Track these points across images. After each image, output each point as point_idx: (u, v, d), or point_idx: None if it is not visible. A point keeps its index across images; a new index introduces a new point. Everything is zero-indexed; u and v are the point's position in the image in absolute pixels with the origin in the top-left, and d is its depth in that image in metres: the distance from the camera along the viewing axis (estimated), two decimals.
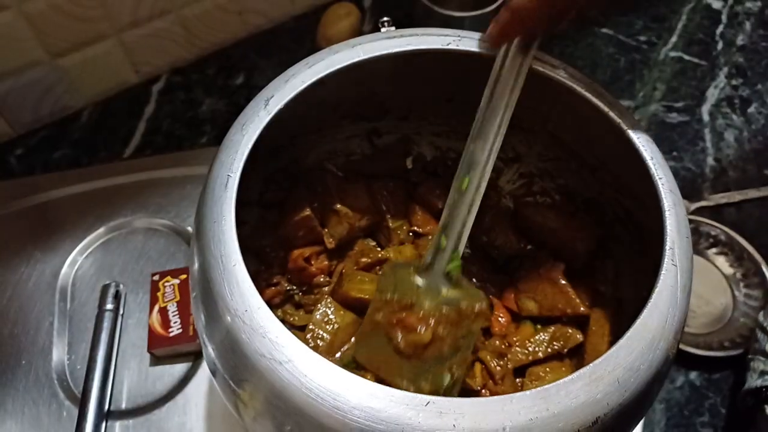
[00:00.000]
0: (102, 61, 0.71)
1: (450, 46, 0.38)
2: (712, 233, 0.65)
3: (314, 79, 0.35)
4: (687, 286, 0.31)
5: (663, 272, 0.30)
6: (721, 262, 0.65)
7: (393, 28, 0.40)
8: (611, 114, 0.36)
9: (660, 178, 0.33)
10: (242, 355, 0.28)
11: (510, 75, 0.37)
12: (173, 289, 0.52)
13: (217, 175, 0.33)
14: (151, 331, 0.50)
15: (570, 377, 0.27)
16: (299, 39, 0.80)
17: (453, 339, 0.37)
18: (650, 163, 0.34)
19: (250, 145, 0.33)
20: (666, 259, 0.30)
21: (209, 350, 0.33)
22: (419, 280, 0.38)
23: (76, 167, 0.67)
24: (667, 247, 0.31)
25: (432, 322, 0.37)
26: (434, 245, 0.38)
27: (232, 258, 0.29)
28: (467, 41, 0.38)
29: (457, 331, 0.37)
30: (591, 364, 0.28)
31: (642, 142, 0.35)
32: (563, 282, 0.43)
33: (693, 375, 0.59)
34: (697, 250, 0.65)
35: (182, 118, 0.74)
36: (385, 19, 0.41)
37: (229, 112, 0.75)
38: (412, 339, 0.36)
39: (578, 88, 0.37)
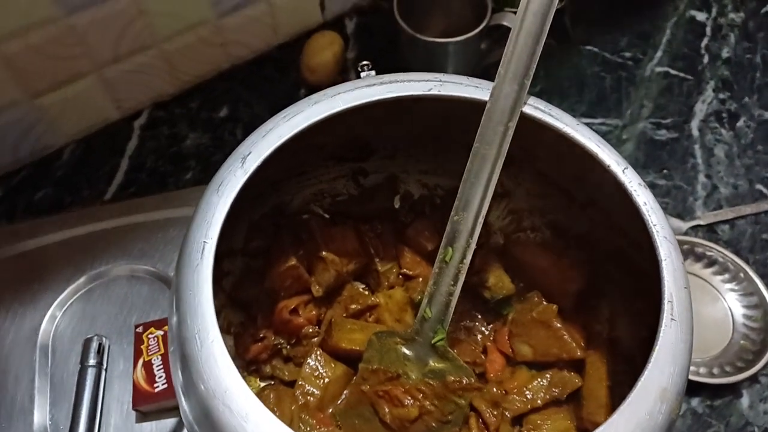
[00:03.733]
0: (83, 98, 0.70)
1: (432, 92, 0.36)
2: (708, 254, 0.64)
3: (293, 133, 0.34)
4: (688, 341, 0.29)
5: (662, 328, 0.29)
6: (718, 282, 0.64)
7: (373, 72, 0.39)
8: (600, 157, 0.35)
9: (654, 225, 0.32)
10: None
11: (492, 148, 0.36)
12: (157, 342, 0.50)
13: (193, 240, 0.31)
14: (136, 388, 0.49)
15: None
16: (283, 69, 0.79)
17: (440, 414, 0.36)
18: (644, 209, 0.33)
19: (226, 208, 0.32)
20: (665, 315, 0.29)
21: (190, 421, 0.31)
22: (405, 351, 0.38)
23: (58, 207, 0.65)
24: (666, 301, 0.30)
25: (419, 395, 0.36)
26: (420, 315, 0.38)
27: (209, 333, 0.28)
28: (449, 86, 0.37)
29: (445, 406, 0.36)
30: None
31: (634, 186, 0.34)
32: (558, 325, 0.42)
33: (695, 402, 0.57)
34: (694, 270, 0.64)
35: (166, 154, 0.72)
36: (365, 63, 0.40)
37: (214, 146, 0.73)
38: (398, 413, 0.36)
39: (565, 131, 0.36)
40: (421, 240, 0.47)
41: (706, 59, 0.81)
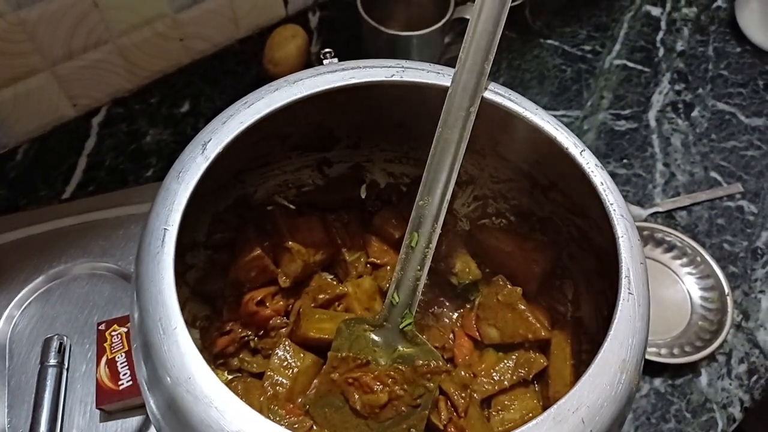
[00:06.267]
0: (36, 96, 0.68)
1: (393, 78, 0.37)
2: (667, 239, 0.66)
3: (254, 119, 0.34)
4: (645, 314, 0.30)
5: (620, 302, 0.30)
6: (677, 266, 0.66)
7: (336, 60, 0.39)
8: (558, 140, 0.36)
9: (611, 204, 0.33)
10: (188, 425, 0.26)
11: (455, 132, 0.36)
12: (121, 339, 0.49)
13: (153, 228, 0.31)
14: (99, 386, 0.47)
15: (534, 422, 0.26)
16: (245, 63, 0.78)
17: (410, 398, 0.37)
18: (600, 188, 0.34)
19: (187, 195, 0.31)
20: (622, 289, 0.30)
21: (155, 414, 0.30)
22: (374, 337, 0.38)
23: (13, 209, 0.63)
24: (623, 276, 0.30)
25: (388, 381, 0.36)
26: (387, 301, 0.38)
27: (172, 321, 0.28)
28: (411, 72, 0.37)
29: (414, 390, 0.37)
30: (555, 405, 0.27)
31: (591, 167, 0.35)
32: (522, 307, 0.42)
33: (657, 382, 0.59)
34: (654, 255, 0.66)
35: (126, 151, 0.71)
36: (327, 50, 0.40)
37: (176, 142, 0.72)
38: (368, 399, 0.36)
39: (525, 115, 0.37)
40: (388, 228, 0.47)
41: (661, 52, 0.84)
